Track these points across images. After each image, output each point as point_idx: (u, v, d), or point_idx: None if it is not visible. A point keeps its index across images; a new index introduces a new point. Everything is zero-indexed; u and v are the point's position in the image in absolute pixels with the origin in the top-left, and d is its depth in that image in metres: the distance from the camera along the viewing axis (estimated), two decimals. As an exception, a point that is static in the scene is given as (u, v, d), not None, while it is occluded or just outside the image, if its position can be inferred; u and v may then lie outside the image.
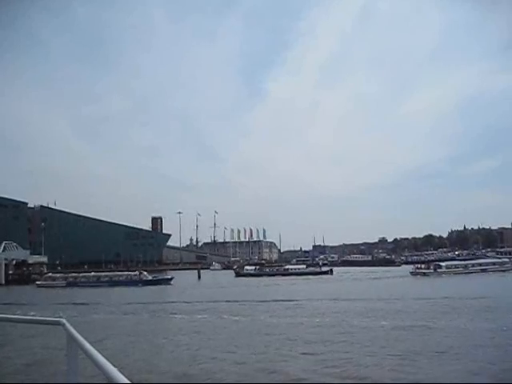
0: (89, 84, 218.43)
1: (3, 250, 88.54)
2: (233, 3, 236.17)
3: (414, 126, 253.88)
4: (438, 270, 73.46)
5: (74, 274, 73.88)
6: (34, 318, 5.40)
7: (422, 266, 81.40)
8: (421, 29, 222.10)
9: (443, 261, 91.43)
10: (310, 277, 79.76)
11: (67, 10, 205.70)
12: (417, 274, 74.48)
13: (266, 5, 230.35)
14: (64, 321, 3.57)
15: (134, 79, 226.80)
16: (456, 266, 77.56)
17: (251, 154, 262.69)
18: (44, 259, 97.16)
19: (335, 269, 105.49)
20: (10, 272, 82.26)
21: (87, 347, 2.81)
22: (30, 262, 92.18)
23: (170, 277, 74.44)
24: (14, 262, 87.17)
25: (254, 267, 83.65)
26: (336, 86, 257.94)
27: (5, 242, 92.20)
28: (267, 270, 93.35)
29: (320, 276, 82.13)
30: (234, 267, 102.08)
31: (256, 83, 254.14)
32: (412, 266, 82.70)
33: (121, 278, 68.86)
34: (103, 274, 74.28)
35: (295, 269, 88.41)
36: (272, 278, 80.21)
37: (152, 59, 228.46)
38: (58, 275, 74.34)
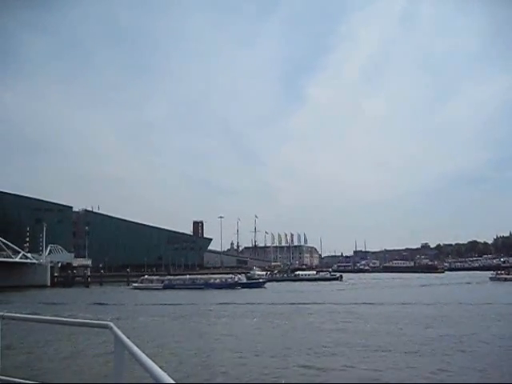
0: (134, 91, 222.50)
1: (49, 253, 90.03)
2: (272, 8, 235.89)
3: (457, 129, 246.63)
4: None
5: (170, 277, 76.23)
6: (83, 320, 4.98)
7: (503, 271, 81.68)
8: (463, 31, 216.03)
9: (488, 267, 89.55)
10: (321, 282, 79.62)
11: (110, 18, 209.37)
12: (497, 279, 73.14)
13: (305, 9, 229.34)
14: (111, 324, 3.53)
15: (176, 85, 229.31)
16: None
17: (292, 159, 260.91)
18: (88, 262, 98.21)
19: (378, 274, 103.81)
20: (56, 274, 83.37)
21: (134, 350, 2.83)
22: (75, 264, 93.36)
23: (263, 280, 74.33)
24: (60, 264, 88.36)
25: (264, 273, 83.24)
26: (377, 89, 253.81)
27: (50, 245, 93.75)
28: (277, 275, 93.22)
29: (330, 282, 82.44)
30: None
31: (297, 88, 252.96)
32: (491, 272, 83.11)
33: (216, 281, 69.45)
34: (198, 276, 75.76)
35: (305, 275, 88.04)
36: (282, 283, 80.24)
37: (193, 65, 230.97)
38: (155, 277, 76.02)
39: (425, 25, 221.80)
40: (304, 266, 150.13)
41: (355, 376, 14.81)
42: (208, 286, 67.21)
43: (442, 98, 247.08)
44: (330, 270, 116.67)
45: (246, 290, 63.51)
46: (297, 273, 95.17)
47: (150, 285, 70.19)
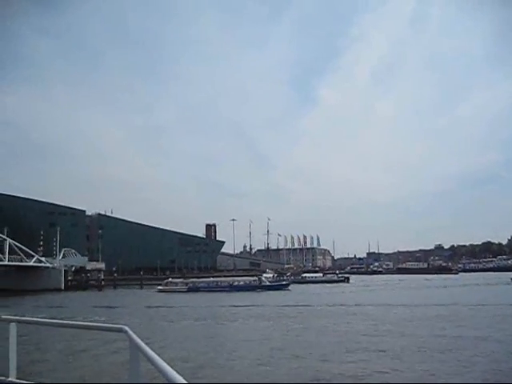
0: (142, 94, 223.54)
1: (63, 257, 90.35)
2: (283, 10, 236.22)
3: (468, 130, 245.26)
4: None
5: (194, 280, 76.12)
6: (98, 324, 4.93)
7: None
8: (471, 33, 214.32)
9: (503, 268, 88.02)
10: (327, 284, 79.41)
11: (118, 21, 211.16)
12: None
13: (316, 11, 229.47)
14: (127, 328, 3.56)
15: (188, 89, 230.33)
16: None
17: (303, 161, 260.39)
18: (101, 265, 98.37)
19: (392, 276, 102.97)
20: (69, 278, 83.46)
21: (149, 353, 2.86)
22: (88, 268, 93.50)
23: (286, 282, 74.38)
24: (73, 268, 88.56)
25: (271, 275, 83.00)
26: (388, 91, 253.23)
27: (64, 248, 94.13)
28: (291, 278, 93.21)
29: (337, 284, 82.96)
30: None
31: (308, 90, 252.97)
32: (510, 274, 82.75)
33: (240, 283, 69.75)
34: (222, 279, 75.72)
35: (312, 277, 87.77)
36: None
37: (205, 69, 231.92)
38: (179, 280, 76.18)
39: (434, 27, 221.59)
40: (317, 268, 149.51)
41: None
42: (232, 288, 67.47)
43: (450, 99, 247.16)
44: (337, 272, 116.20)
45: (270, 292, 63.32)
46: (303, 275, 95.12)
47: (175, 288, 70.22)
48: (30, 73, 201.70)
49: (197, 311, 38.76)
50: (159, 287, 71.91)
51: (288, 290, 68.71)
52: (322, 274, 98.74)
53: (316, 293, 60.97)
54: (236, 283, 70.16)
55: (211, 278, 76.93)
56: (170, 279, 77.54)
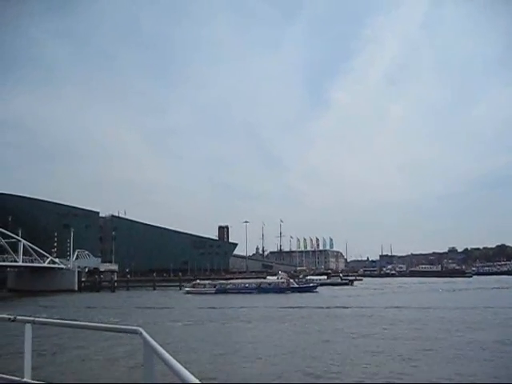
0: (156, 96, 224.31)
1: (76, 258, 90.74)
2: (296, 12, 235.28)
3: (480, 132, 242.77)
4: None
5: (222, 281, 76.10)
6: (113, 326, 4.92)
7: None
8: (486, 33, 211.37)
9: None
10: (331, 287, 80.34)
11: (134, 25, 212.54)
12: None
13: (329, 13, 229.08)
14: (141, 329, 3.56)
15: (200, 91, 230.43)
16: None
17: (316, 163, 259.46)
18: (115, 267, 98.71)
19: (406, 279, 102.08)
20: (83, 279, 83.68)
21: (164, 355, 2.89)
22: (102, 269, 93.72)
23: (314, 284, 74.38)
24: (87, 269, 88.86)
25: (275, 277, 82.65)
26: (401, 92, 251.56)
27: (78, 250, 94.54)
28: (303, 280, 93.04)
29: (341, 287, 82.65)
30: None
31: (321, 92, 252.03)
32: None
33: (269, 286, 69.67)
34: (251, 280, 75.36)
35: (316, 279, 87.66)
36: None
37: (218, 71, 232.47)
38: (207, 282, 75.93)
39: (447, 28, 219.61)
40: (329, 271, 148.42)
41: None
42: (261, 290, 67.34)
43: (463, 101, 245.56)
44: (341, 274, 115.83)
45: (297, 294, 63.29)
46: (308, 277, 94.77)
47: (203, 289, 70.03)
48: (45, 75, 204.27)
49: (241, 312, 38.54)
50: (187, 288, 71.96)
51: (316, 292, 68.66)
52: (326, 277, 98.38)
53: (343, 295, 61.08)
54: (264, 285, 70.00)
55: (239, 280, 77.04)
56: (198, 281, 77.43)
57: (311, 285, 74.21)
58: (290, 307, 42.50)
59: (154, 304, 49.77)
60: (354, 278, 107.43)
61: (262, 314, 36.39)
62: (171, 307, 45.60)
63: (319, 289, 71.70)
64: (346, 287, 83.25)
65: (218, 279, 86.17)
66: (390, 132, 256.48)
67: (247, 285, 71.02)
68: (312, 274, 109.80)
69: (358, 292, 68.55)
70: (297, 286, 70.37)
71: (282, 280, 72.89)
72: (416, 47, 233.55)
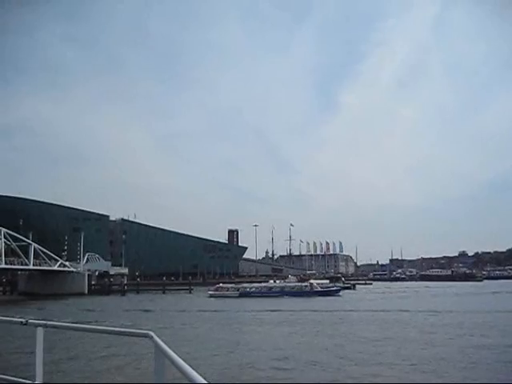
0: (164, 100, 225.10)
1: (86, 262, 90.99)
2: (306, 16, 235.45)
3: (492, 134, 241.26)
4: None
5: (245, 285, 76.20)
6: (124, 329, 4.76)
7: None
8: (493, 38, 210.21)
9: None
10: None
11: (142, 29, 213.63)
12: None
13: (339, 17, 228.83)
14: (152, 333, 3.57)
15: (209, 94, 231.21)
16: None
17: (326, 166, 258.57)
18: (125, 270, 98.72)
19: (415, 283, 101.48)
20: (93, 283, 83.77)
21: (175, 358, 2.89)
22: (112, 273, 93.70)
23: (337, 288, 74.73)
24: (97, 273, 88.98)
25: (279, 281, 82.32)
26: (411, 96, 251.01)
27: (88, 253, 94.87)
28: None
29: (343, 291, 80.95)
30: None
31: (331, 95, 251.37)
32: None
33: (292, 289, 69.68)
34: (274, 284, 75.21)
35: (318, 283, 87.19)
36: None
37: (226, 74, 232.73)
38: (230, 285, 76.46)
39: (457, 31, 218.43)
40: (339, 275, 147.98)
41: None
42: (284, 293, 67.28)
43: (474, 104, 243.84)
44: (343, 279, 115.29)
45: (321, 297, 63.06)
46: (310, 281, 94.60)
47: (226, 293, 70.08)
48: (53, 79, 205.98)
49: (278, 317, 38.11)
50: (210, 292, 71.70)
51: (339, 295, 68.61)
52: (328, 281, 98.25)
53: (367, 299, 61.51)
54: (287, 289, 70.02)
55: (262, 283, 77.10)
56: (221, 284, 77.67)
57: (334, 289, 74.35)
58: (316, 311, 42.72)
59: (185, 307, 49.84)
60: (355, 282, 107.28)
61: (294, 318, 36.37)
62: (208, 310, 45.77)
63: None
64: (346, 291, 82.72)
65: (241, 282, 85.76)
66: (399, 135, 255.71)
67: (271, 288, 71.08)
68: (322, 278, 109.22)
69: (360, 296, 69.30)
70: (320, 289, 70.17)
71: (306, 284, 72.88)
72: (426, 50, 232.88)
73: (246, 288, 72.54)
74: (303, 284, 72.90)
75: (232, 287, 74.00)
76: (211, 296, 69.05)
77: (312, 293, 67.35)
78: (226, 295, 68.50)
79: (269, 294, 67.72)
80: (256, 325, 32.56)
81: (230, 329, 30.56)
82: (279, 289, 70.18)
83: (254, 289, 71.71)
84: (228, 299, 63.41)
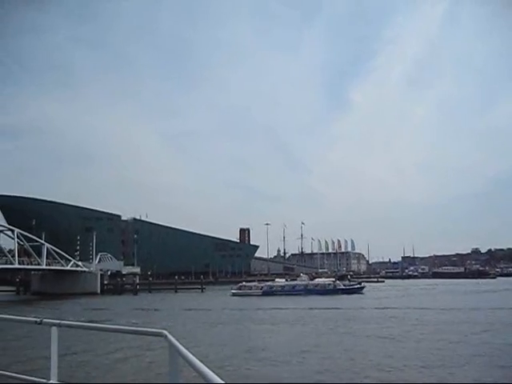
0: (174, 99, 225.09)
1: (99, 261, 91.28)
2: (316, 14, 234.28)
3: (506, 131, 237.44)
4: None
5: (269, 283, 75.60)
6: (138, 328, 4.67)
7: None
8: (507, 32, 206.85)
9: None
10: None
11: (151, 27, 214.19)
12: None
13: (348, 15, 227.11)
14: (166, 332, 3.54)
15: (218, 93, 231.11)
16: None
17: (337, 164, 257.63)
18: (137, 270, 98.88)
19: (428, 281, 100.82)
20: (105, 282, 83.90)
21: (189, 357, 2.89)
22: (124, 272, 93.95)
23: (361, 286, 74.90)
24: (109, 272, 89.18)
25: (283, 280, 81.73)
26: (422, 93, 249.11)
27: (100, 253, 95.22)
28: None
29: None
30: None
31: (341, 93, 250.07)
32: None
33: (315, 287, 69.79)
34: (298, 282, 75.10)
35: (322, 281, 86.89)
36: None
37: (236, 73, 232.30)
38: (253, 284, 76.19)
39: (468, 25, 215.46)
40: (351, 273, 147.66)
41: None
42: (308, 291, 67.23)
43: (487, 101, 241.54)
44: (349, 276, 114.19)
45: (344, 295, 63.43)
46: (316, 280, 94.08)
47: (249, 291, 70.03)
48: (62, 79, 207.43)
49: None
50: (233, 291, 71.47)
51: (362, 293, 68.75)
52: (333, 279, 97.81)
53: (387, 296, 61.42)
54: (311, 287, 69.92)
55: (286, 281, 76.87)
56: (244, 283, 77.68)
57: (357, 286, 74.37)
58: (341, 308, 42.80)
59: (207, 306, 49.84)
60: (367, 280, 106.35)
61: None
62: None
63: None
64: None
65: (264, 281, 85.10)
66: (410, 132, 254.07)
67: (295, 286, 70.95)
68: (333, 277, 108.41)
69: (380, 294, 68.48)
70: (344, 287, 70.50)
71: (329, 281, 73.06)
72: (438, 46, 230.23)
73: (269, 286, 72.21)
74: (327, 282, 72.84)
75: (255, 285, 73.76)
76: (234, 295, 68.79)
77: (336, 290, 67.64)
78: (250, 294, 68.35)
79: (293, 292, 67.61)
80: (300, 324, 32.49)
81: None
82: (303, 287, 69.97)
83: (277, 287, 71.40)
84: (252, 298, 63.41)
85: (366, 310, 42.33)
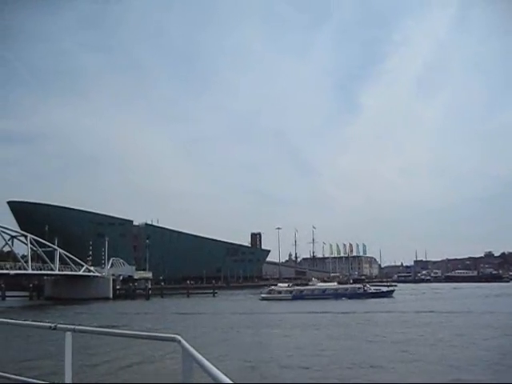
0: (185, 104, 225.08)
1: (111, 266, 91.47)
2: (325, 18, 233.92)
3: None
4: None
5: (299, 288, 75.35)
6: (152, 334, 4.60)
7: None
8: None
9: None
10: None
11: (161, 32, 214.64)
12: None
13: (357, 18, 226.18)
14: (179, 337, 3.59)
15: (229, 98, 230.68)
16: None
17: (348, 168, 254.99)
18: (149, 275, 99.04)
19: (441, 284, 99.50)
20: (118, 287, 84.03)
21: (203, 362, 2.90)
22: (136, 277, 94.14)
23: (391, 289, 74.70)
24: (121, 277, 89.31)
25: (286, 285, 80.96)
26: (433, 95, 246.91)
27: (112, 258, 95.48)
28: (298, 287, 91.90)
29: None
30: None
31: (351, 97, 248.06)
32: None
33: (346, 291, 70.00)
34: (328, 286, 74.91)
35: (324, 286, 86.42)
36: None
37: (246, 77, 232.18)
38: (282, 288, 75.72)
39: (477, 27, 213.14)
40: (363, 277, 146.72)
41: None
42: (338, 295, 67.49)
43: (499, 103, 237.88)
44: (351, 281, 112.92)
45: (374, 299, 63.06)
46: (319, 285, 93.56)
47: (279, 295, 69.99)
48: (77, 86, 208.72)
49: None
50: (262, 295, 71.31)
51: (392, 297, 68.47)
52: (336, 283, 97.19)
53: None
54: (341, 291, 69.97)
55: (316, 286, 76.60)
56: (273, 287, 77.13)
57: (386, 290, 74.10)
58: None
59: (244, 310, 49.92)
60: (379, 284, 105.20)
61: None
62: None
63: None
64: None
65: (297, 284, 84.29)
66: (422, 135, 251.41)
67: (325, 291, 70.84)
68: (346, 280, 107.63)
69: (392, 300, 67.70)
70: (373, 291, 70.46)
71: (359, 286, 73.42)
72: (448, 49, 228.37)
73: (299, 291, 71.90)
74: (357, 286, 73.04)
75: (285, 290, 73.40)
76: (263, 299, 68.51)
77: (365, 294, 67.82)
78: (279, 298, 68.22)
79: (323, 296, 67.57)
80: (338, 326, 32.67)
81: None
82: (333, 291, 70.04)
83: (307, 291, 71.25)
84: (282, 302, 63.23)
85: (406, 313, 41.84)
